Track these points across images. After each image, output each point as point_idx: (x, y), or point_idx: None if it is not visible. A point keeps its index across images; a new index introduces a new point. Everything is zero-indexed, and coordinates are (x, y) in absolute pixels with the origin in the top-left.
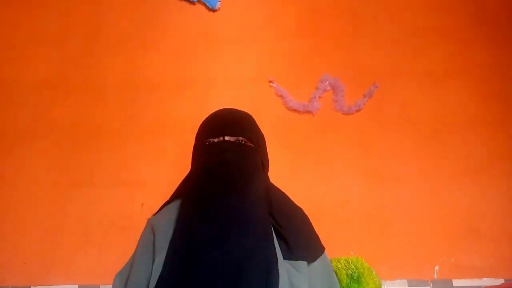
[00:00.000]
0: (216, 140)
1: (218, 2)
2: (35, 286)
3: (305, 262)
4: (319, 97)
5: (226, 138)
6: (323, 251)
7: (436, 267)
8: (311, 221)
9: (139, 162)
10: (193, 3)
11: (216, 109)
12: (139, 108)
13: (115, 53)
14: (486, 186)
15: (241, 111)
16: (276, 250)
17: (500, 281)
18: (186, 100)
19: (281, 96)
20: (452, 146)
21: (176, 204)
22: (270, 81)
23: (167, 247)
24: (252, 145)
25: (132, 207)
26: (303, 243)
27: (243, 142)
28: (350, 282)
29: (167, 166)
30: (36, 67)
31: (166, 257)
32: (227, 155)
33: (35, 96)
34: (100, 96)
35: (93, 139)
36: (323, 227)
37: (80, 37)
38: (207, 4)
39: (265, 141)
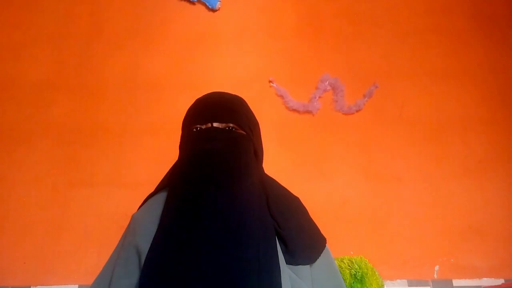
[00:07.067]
0: (203, 126)
1: (218, 2)
2: (35, 286)
3: (307, 266)
4: (319, 97)
5: (215, 124)
6: (325, 244)
7: (436, 267)
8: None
9: (139, 162)
10: (193, 3)
11: None
12: (139, 108)
13: (115, 53)
14: (486, 186)
15: (232, 94)
16: (278, 254)
17: (500, 281)
18: (186, 100)
19: (281, 96)
20: (452, 146)
21: (161, 196)
22: (270, 81)
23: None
24: (243, 132)
25: (132, 207)
26: (304, 243)
27: (233, 129)
28: (354, 282)
29: (167, 166)
30: (36, 67)
31: (142, 270)
32: (216, 143)
33: (35, 96)
34: (100, 96)
35: (93, 139)
36: (323, 227)
37: (80, 37)
38: (207, 4)
39: (259, 128)
